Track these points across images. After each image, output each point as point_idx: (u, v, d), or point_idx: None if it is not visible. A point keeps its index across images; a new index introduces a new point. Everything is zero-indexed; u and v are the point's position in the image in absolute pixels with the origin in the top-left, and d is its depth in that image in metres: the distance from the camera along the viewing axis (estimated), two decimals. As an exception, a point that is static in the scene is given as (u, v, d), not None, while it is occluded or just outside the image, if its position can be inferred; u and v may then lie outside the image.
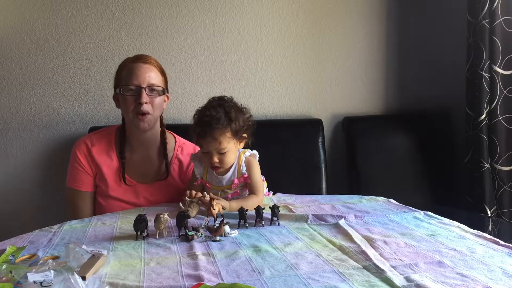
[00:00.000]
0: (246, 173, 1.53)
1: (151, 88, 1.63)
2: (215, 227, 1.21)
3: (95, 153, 1.68)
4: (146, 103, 1.61)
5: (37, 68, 2.16)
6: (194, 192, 1.47)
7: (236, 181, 1.53)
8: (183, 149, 1.77)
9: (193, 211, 1.41)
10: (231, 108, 1.49)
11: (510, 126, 2.10)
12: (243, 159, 1.54)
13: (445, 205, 2.02)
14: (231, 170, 1.54)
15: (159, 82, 1.66)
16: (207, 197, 1.40)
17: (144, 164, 1.72)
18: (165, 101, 1.71)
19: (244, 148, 1.58)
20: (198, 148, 1.72)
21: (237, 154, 1.55)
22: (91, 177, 1.70)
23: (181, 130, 1.83)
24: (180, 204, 1.45)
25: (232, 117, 1.46)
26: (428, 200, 2.28)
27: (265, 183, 1.66)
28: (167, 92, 1.72)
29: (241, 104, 1.55)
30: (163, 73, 1.70)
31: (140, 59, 1.66)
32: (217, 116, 1.45)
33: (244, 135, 1.53)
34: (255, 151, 1.60)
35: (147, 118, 1.63)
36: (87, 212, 1.70)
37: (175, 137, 1.81)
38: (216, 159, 1.48)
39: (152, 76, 1.63)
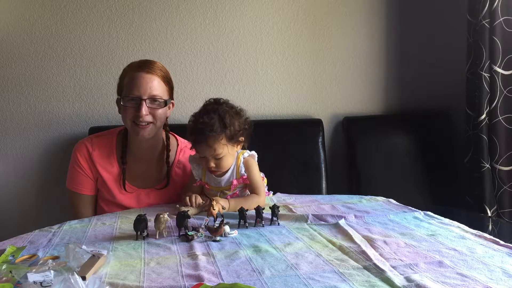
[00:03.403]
0: (245, 174, 1.53)
1: (152, 99, 1.57)
2: (215, 227, 1.21)
3: (96, 158, 1.65)
4: (146, 115, 1.56)
5: (37, 68, 2.16)
6: (193, 200, 1.47)
7: (235, 182, 1.53)
8: (185, 152, 1.74)
9: (191, 210, 1.42)
10: (225, 113, 1.46)
11: (510, 126, 2.10)
12: (242, 160, 1.54)
13: (445, 205, 2.02)
14: (230, 171, 1.53)
15: (162, 93, 1.59)
16: (206, 202, 1.41)
17: (146, 169, 1.69)
18: (169, 108, 1.66)
19: (242, 149, 1.58)
20: None
21: (235, 155, 1.54)
22: (91, 180, 1.68)
23: (181, 130, 1.82)
24: (177, 205, 1.46)
25: (226, 123, 1.44)
26: (428, 200, 2.28)
27: (265, 180, 1.65)
28: (172, 99, 1.67)
29: (238, 106, 1.53)
30: (167, 82, 1.63)
31: (144, 67, 1.57)
32: (211, 123, 1.43)
33: (241, 138, 1.51)
34: (253, 152, 1.60)
35: (149, 128, 1.59)
36: (88, 215, 1.67)
37: (177, 140, 1.78)
38: (212, 164, 1.48)
39: (154, 87, 1.56)
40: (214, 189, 1.56)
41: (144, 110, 1.55)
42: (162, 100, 1.59)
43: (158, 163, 1.71)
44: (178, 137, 1.79)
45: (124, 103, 1.57)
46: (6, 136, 2.18)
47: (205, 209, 1.42)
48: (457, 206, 2.14)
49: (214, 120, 1.43)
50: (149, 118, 1.57)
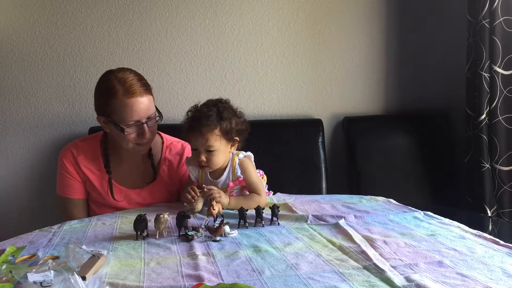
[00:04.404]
0: (242, 176, 1.52)
1: (150, 118, 1.57)
2: (215, 227, 1.21)
3: (82, 162, 1.66)
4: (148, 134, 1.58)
5: (37, 68, 2.16)
6: (192, 192, 1.47)
7: (231, 184, 1.52)
8: (171, 149, 1.74)
9: (198, 204, 1.41)
10: (225, 109, 1.49)
11: (510, 126, 2.10)
12: (237, 162, 1.53)
13: (445, 205, 2.02)
14: (225, 173, 1.53)
15: (153, 106, 1.59)
16: (207, 188, 1.44)
17: (134, 170, 1.69)
18: None
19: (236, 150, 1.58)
20: (186, 145, 1.73)
21: (230, 157, 1.54)
22: (80, 183, 1.68)
23: (180, 130, 1.82)
24: (185, 204, 1.46)
25: (223, 117, 1.46)
26: (428, 200, 2.28)
27: (265, 179, 1.65)
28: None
29: (237, 108, 1.54)
30: (150, 90, 1.59)
31: (134, 91, 1.51)
32: (208, 113, 1.45)
33: (236, 138, 1.51)
34: (249, 153, 1.59)
35: (149, 144, 1.62)
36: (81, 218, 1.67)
37: (162, 137, 1.77)
38: (203, 158, 1.47)
39: (150, 107, 1.56)
40: None
41: (147, 132, 1.56)
42: (156, 113, 1.60)
43: (144, 162, 1.70)
44: (163, 134, 1.78)
45: (124, 131, 1.54)
46: (6, 136, 2.18)
47: (207, 196, 1.43)
48: (457, 206, 2.14)
49: (212, 112, 1.46)
50: (150, 135, 1.59)
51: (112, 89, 1.52)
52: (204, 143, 1.45)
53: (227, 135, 1.48)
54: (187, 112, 1.52)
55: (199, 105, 1.51)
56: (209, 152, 1.46)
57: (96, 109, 1.61)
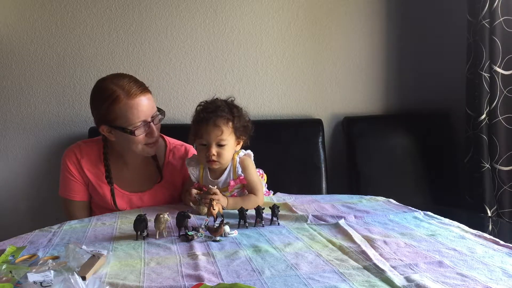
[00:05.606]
0: (242, 175, 1.52)
1: (155, 117, 1.58)
2: (215, 227, 1.21)
3: (84, 165, 1.65)
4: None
5: (37, 68, 2.16)
6: (195, 191, 1.48)
7: (232, 183, 1.52)
8: (174, 153, 1.73)
9: (205, 208, 1.41)
10: (234, 106, 1.52)
11: (510, 126, 2.10)
12: (237, 160, 1.53)
13: (445, 205, 2.02)
14: (226, 172, 1.52)
15: (155, 104, 1.60)
16: (212, 189, 1.44)
17: (136, 174, 1.68)
18: None
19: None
20: (189, 149, 1.72)
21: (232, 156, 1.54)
22: (83, 186, 1.67)
23: (181, 130, 1.82)
24: (191, 203, 1.47)
25: (234, 113, 1.49)
26: (428, 200, 2.28)
27: (264, 177, 1.65)
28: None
29: (242, 108, 1.56)
30: (148, 88, 1.59)
31: (135, 94, 1.52)
32: (222, 107, 1.48)
33: (242, 137, 1.52)
34: (249, 151, 1.59)
35: (157, 142, 1.62)
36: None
37: (165, 140, 1.75)
38: (214, 151, 1.46)
39: (152, 105, 1.57)
40: None
41: (155, 130, 1.57)
42: (159, 111, 1.61)
43: (147, 165, 1.69)
44: (166, 137, 1.76)
45: (133, 133, 1.53)
46: (6, 136, 2.18)
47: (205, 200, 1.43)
48: (457, 206, 2.14)
49: (225, 107, 1.49)
50: (157, 133, 1.60)
51: (113, 94, 1.52)
52: (218, 135, 1.45)
53: (237, 132, 1.49)
54: (197, 107, 1.52)
55: (209, 101, 1.52)
56: (221, 146, 1.46)
57: (97, 119, 1.60)
